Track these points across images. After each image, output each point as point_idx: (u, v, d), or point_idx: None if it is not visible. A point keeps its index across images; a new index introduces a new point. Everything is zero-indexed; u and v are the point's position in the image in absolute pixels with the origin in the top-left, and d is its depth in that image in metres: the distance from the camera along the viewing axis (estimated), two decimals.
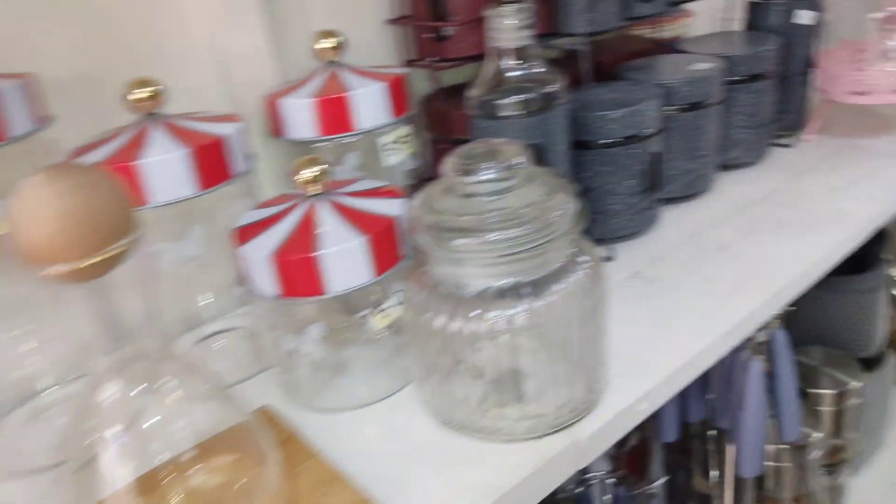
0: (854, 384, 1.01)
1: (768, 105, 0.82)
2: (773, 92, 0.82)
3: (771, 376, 0.81)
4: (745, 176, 0.83)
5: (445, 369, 0.49)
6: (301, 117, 0.60)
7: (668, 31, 0.95)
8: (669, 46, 0.87)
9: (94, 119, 0.58)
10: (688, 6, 0.95)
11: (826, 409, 1.01)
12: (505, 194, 0.47)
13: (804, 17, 0.84)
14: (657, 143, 0.70)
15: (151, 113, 0.55)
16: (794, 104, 0.88)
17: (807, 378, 1.03)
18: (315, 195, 0.53)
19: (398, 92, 0.62)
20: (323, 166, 0.52)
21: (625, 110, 0.65)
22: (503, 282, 0.46)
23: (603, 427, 0.51)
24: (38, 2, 0.57)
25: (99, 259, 0.34)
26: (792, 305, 0.97)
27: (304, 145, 0.61)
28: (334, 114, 0.60)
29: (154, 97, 0.55)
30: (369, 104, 0.60)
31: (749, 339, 0.74)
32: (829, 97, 0.84)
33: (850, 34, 0.86)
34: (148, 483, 0.41)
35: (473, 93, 0.61)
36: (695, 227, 0.73)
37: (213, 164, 0.54)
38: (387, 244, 0.51)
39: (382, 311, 0.52)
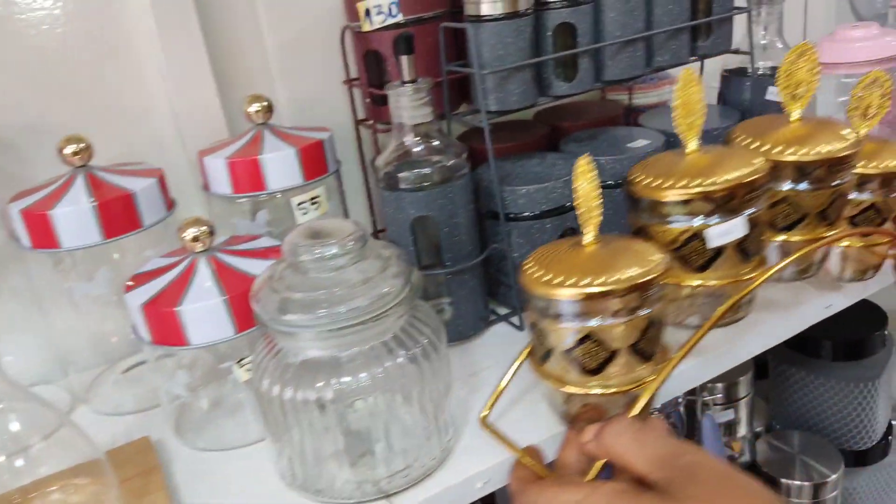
0: (833, 477, 0.95)
1: None
2: None
3: None
4: None
5: (282, 432, 0.52)
6: (219, 174, 0.65)
7: (653, 96, 0.94)
8: (633, 116, 0.86)
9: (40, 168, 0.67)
10: (671, 71, 0.94)
11: (799, 502, 0.96)
12: (338, 271, 0.50)
13: (776, 93, 0.81)
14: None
15: (81, 165, 0.63)
16: None
17: (780, 466, 0.97)
18: (199, 252, 0.58)
19: (312, 156, 0.66)
20: (204, 227, 0.57)
21: (535, 186, 0.67)
22: (335, 353, 0.50)
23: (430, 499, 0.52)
24: None
25: None
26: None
27: (223, 200, 0.67)
28: (246, 174, 0.65)
29: (80, 152, 0.62)
30: (280, 167, 0.65)
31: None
32: None
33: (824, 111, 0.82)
34: None
35: (378, 165, 0.64)
36: None
37: (119, 215, 0.61)
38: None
39: (243, 365, 0.57)
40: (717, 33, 0.75)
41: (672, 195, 0.53)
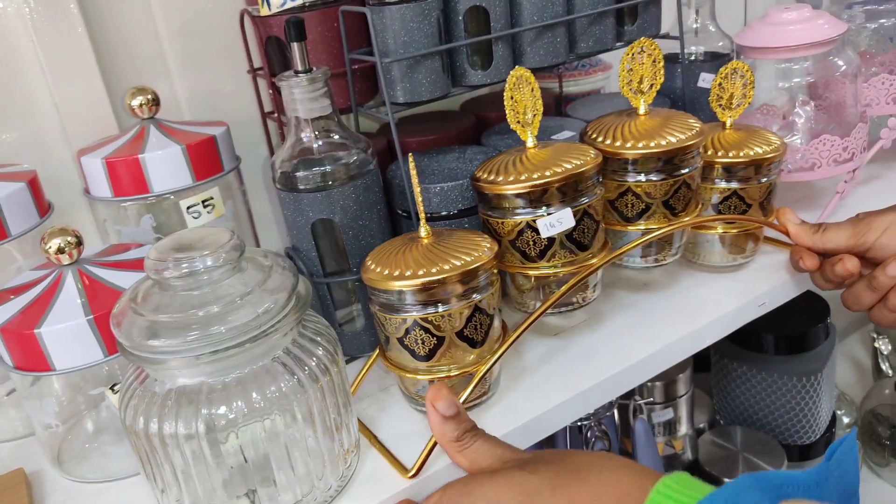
0: None
1: None
2: None
3: None
4: None
5: (153, 469, 0.46)
6: (97, 176, 0.59)
7: (585, 84, 0.90)
8: (564, 105, 0.82)
9: None
10: (604, 58, 0.90)
11: None
12: (210, 287, 0.45)
13: (709, 81, 0.77)
14: None
15: None
16: None
17: (723, 465, 0.95)
18: (66, 265, 0.52)
19: (202, 154, 0.60)
20: (70, 237, 0.51)
21: (450, 184, 0.62)
22: (208, 379, 0.44)
23: None
24: None
25: None
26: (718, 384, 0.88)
27: (106, 204, 0.61)
28: (128, 175, 0.59)
29: None
30: (165, 167, 0.59)
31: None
32: None
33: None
34: None
35: (274, 163, 0.58)
36: None
37: None
38: None
39: (117, 390, 0.51)
40: (644, 17, 0.71)
41: (505, 190, 0.55)
